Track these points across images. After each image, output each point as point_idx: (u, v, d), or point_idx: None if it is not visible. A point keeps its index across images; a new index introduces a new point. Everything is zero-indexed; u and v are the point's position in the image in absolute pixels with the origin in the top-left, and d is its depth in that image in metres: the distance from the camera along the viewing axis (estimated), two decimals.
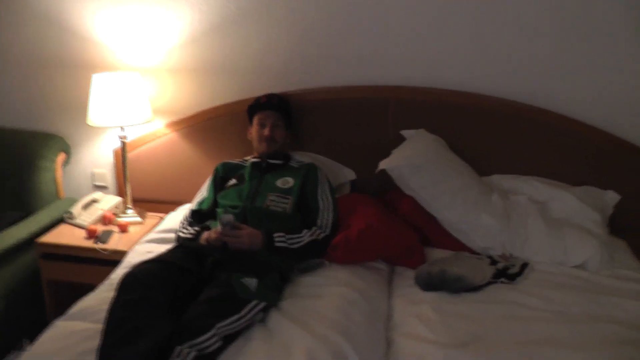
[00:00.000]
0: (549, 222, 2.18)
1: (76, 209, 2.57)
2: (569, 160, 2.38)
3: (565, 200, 2.28)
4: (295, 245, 1.99)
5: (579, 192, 2.31)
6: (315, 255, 2.03)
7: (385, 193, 2.41)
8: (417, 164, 2.18)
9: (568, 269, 2.05)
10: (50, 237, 2.45)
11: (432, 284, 1.89)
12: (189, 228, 2.15)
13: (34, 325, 1.72)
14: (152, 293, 1.60)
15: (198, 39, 2.59)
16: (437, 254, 2.16)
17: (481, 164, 2.41)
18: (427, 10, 2.37)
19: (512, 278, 1.95)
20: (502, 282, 1.93)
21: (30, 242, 2.44)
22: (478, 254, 2.14)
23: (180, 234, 2.15)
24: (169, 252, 1.92)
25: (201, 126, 2.67)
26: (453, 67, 2.42)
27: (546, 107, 2.37)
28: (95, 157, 2.88)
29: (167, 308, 1.59)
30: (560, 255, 2.09)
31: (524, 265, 2.03)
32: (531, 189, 2.33)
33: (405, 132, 2.42)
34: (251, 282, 1.70)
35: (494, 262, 2.04)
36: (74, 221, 2.55)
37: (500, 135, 2.40)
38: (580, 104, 2.35)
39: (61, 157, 2.82)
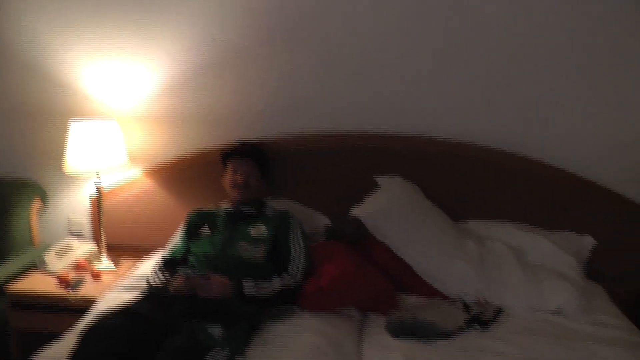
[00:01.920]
0: (525, 267, 2.17)
1: (49, 256, 2.54)
2: (544, 206, 2.39)
3: (541, 245, 2.28)
4: (265, 293, 1.96)
5: (555, 237, 2.31)
6: (286, 303, 2.00)
7: (360, 240, 2.39)
8: (390, 211, 2.18)
9: (544, 314, 2.03)
10: (21, 285, 2.40)
11: (403, 330, 1.87)
12: (160, 275, 2.12)
13: None
14: (113, 346, 1.56)
15: (175, 87, 2.63)
16: (410, 300, 2.14)
17: (456, 210, 2.41)
18: (404, 61, 2.43)
19: (485, 324, 1.93)
20: (475, 329, 1.90)
21: (0, 290, 2.39)
22: (452, 300, 2.11)
23: (151, 281, 2.12)
24: (136, 301, 1.89)
25: (177, 173, 2.68)
26: (428, 115, 2.46)
27: (521, 153, 2.40)
28: (72, 203, 2.86)
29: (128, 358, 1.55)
30: (536, 300, 2.07)
31: (498, 311, 2.01)
32: (507, 234, 2.33)
33: (379, 179, 2.42)
34: (216, 329, 1.67)
35: (467, 308, 2.01)
36: (46, 268, 2.51)
37: (475, 181, 2.42)
38: (556, 150, 2.39)
39: (37, 203, 2.80)
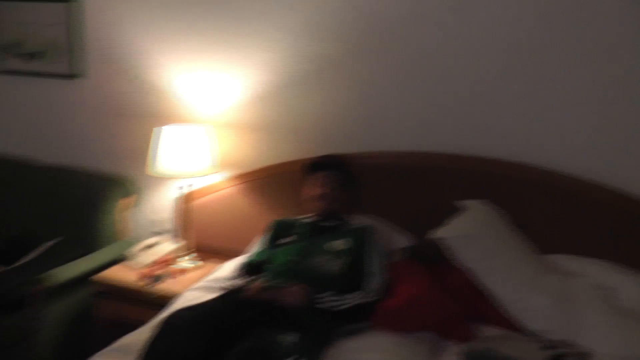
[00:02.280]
0: (615, 309, 2.02)
1: (135, 251, 2.66)
2: None
3: (635, 288, 2.11)
4: (339, 307, 1.96)
5: None
6: (359, 319, 1.98)
7: (439, 263, 2.33)
8: (471, 236, 2.12)
9: None
10: (107, 276, 2.54)
11: None
12: (238, 280, 2.17)
13: (82, 357, 1.77)
14: (187, 340, 1.61)
15: (264, 97, 2.69)
16: (486, 331, 2.04)
17: (543, 242, 2.29)
18: (498, 80, 2.36)
19: None
20: None
21: (87, 279, 2.54)
22: (531, 336, 2.01)
23: (228, 285, 2.17)
24: (212, 301, 1.94)
25: (263, 181, 2.72)
26: (521, 139, 2.36)
27: (624, 188, 2.24)
28: (160, 202, 2.99)
29: (199, 356, 1.59)
30: (625, 348, 1.91)
31: (583, 356, 1.89)
32: (597, 272, 2.17)
33: (463, 202, 2.36)
34: (291, 338, 1.68)
35: (547, 347, 1.91)
36: (131, 262, 2.63)
37: (567, 214, 2.29)
38: None
39: (128, 200, 2.95)
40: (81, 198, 2.88)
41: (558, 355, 1.85)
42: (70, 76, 3.06)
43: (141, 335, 1.84)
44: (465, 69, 2.39)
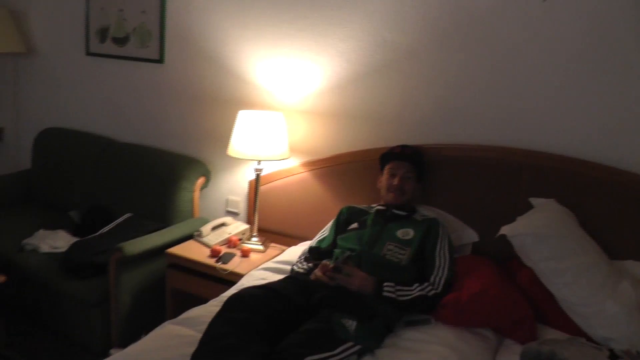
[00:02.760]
0: None
1: (206, 229, 2.78)
2: None
3: None
4: (404, 298, 1.98)
5: None
6: (422, 311, 2.01)
7: (506, 261, 2.32)
8: (541, 235, 2.08)
9: None
10: (179, 250, 2.67)
11: None
12: (304, 263, 2.23)
13: (154, 323, 1.89)
14: (254, 316, 1.68)
15: (342, 85, 2.73)
16: (550, 333, 2.03)
17: (615, 247, 2.23)
18: (573, 73, 2.29)
19: None
20: None
21: (162, 251, 2.68)
22: (597, 343, 1.97)
23: (295, 268, 2.24)
24: (280, 281, 2.00)
25: (334, 169, 2.76)
26: (596, 136, 2.29)
27: None
28: (232, 185, 3.11)
29: (265, 333, 1.66)
30: None
31: None
32: None
33: (534, 200, 2.32)
34: (351, 324, 1.73)
35: (614, 356, 1.86)
36: (202, 239, 2.75)
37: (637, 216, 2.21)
38: None
39: (201, 180, 3.08)
40: (160, 176, 3.03)
41: None
42: (158, 61, 3.22)
43: (209, 309, 1.94)
44: (548, 64, 2.33)
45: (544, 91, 2.35)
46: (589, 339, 1.99)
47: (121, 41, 3.34)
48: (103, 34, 3.41)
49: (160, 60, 3.20)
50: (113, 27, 3.35)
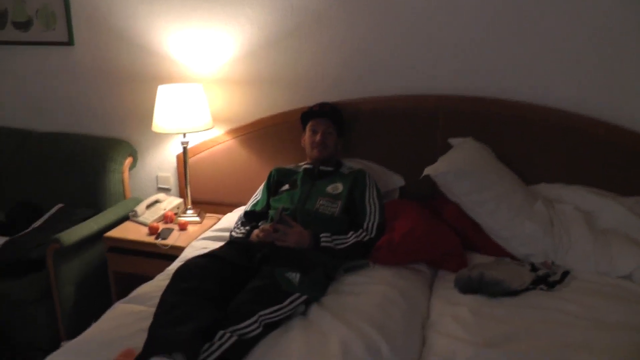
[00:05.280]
0: (595, 231, 2.17)
1: (140, 208, 2.78)
2: (619, 171, 2.35)
3: (613, 211, 2.25)
4: (341, 246, 2.09)
5: (629, 202, 2.27)
6: (359, 256, 2.12)
7: (432, 199, 2.46)
8: (462, 171, 2.22)
9: (611, 279, 2.02)
10: (117, 233, 2.66)
11: (471, 287, 1.94)
12: (242, 228, 2.29)
13: (101, 310, 1.90)
14: (203, 284, 1.73)
15: (256, 52, 2.75)
16: (478, 258, 2.20)
17: (528, 173, 2.43)
18: (475, 20, 2.43)
19: (551, 285, 1.96)
20: (541, 289, 1.95)
21: (99, 237, 2.67)
22: (520, 260, 2.16)
23: (234, 233, 2.30)
24: (222, 248, 2.06)
25: (258, 133, 2.82)
26: (502, 77, 2.46)
27: (597, 117, 2.37)
28: (160, 161, 3.10)
29: (215, 298, 1.72)
30: (605, 265, 2.07)
31: (565, 274, 2.04)
32: (578, 198, 2.32)
33: (452, 140, 2.47)
34: (294, 276, 1.81)
35: (534, 269, 2.06)
36: (138, 219, 2.75)
37: (548, 144, 2.42)
38: (630, 113, 2.34)
39: (129, 160, 3.05)
40: (86, 161, 2.97)
41: (544, 276, 2.00)
42: (67, 43, 3.08)
43: (157, 284, 1.98)
44: (452, 10, 2.45)
45: (451, 38, 2.49)
46: (513, 257, 2.19)
47: (23, 25, 3.15)
48: (1, 19, 3.20)
49: (69, 43, 3.07)
50: (11, 10, 3.15)
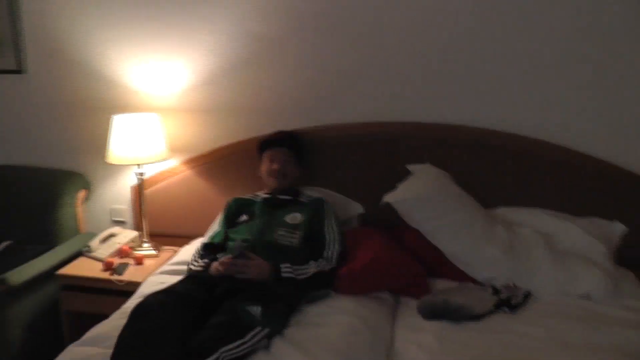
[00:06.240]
0: (554, 252, 2.20)
1: (94, 243, 2.68)
2: (573, 192, 2.41)
3: (570, 232, 2.30)
4: (302, 276, 2.05)
5: (584, 223, 2.33)
6: (321, 286, 2.08)
7: (392, 227, 2.46)
8: (421, 197, 2.24)
9: (572, 299, 2.06)
10: (70, 270, 2.55)
11: (434, 313, 1.93)
12: (200, 260, 2.22)
13: (52, 353, 1.80)
14: (161, 322, 1.66)
15: (213, 80, 2.73)
16: (441, 284, 2.20)
17: (486, 197, 2.45)
18: (435, 50, 2.48)
19: (514, 308, 1.98)
20: (504, 312, 1.96)
21: (51, 274, 2.55)
22: (482, 284, 2.17)
23: (192, 267, 2.23)
24: (180, 283, 1.99)
25: (216, 163, 2.78)
26: (459, 104, 2.51)
27: (549, 140, 2.43)
28: (114, 193, 3.01)
29: (175, 337, 1.64)
30: (565, 285, 2.10)
31: (527, 295, 2.06)
32: (536, 220, 2.36)
33: (411, 167, 2.49)
34: (256, 309, 1.76)
35: (496, 291, 2.07)
36: (92, 254, 2.65)
37: (505, 168, 2.46)
38: (583, 136, 2.41)
39: (82, 193, 2.95)
40: (37, 195, 2.86)
41: (507, 299, 2.01)
42: (17, 71, 2.97)
43: (113, 323, 1.89)
44: (402, 45, 2.50)
45: (411, 67, 2.52)
46: (475, 282, 2.19)
47: None
48: None
49: (19, 71, 2.97)
50: None
